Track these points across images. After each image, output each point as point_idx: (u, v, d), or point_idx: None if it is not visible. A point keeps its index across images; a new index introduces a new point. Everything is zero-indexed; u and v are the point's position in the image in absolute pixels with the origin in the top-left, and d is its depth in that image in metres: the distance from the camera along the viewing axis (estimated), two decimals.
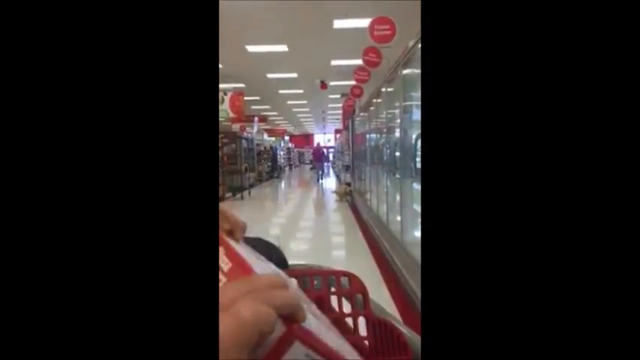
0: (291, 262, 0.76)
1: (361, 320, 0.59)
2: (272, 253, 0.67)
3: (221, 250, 0.37)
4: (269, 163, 15.19)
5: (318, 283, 0.60)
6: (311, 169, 12.92)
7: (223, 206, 0.44)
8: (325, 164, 13.32)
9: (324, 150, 13.67)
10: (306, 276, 0.60)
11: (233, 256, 0.36)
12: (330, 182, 12.73)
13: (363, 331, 0.58)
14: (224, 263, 0.35)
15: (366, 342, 0.57)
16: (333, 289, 0.60)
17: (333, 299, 0.61)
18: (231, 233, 0.42)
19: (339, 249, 4.91)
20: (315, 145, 14.48)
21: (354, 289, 0.59)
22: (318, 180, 12.13)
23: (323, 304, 0.58)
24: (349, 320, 0.59)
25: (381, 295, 2.94)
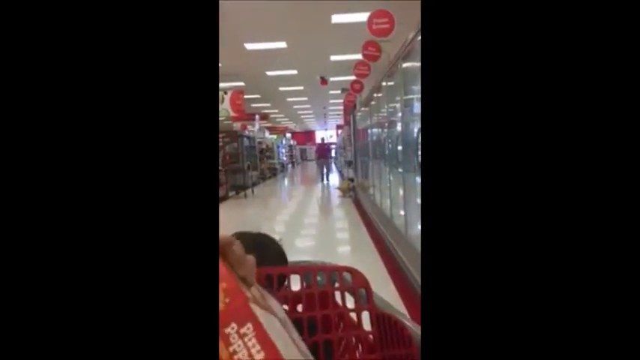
0: (295, 258, 0.77)
1: (366, 315, 0.59)
2: (271, 247, 0.67)
3: (249, 325, 0.29)
4: (271, 161, 15.05)
5: (322, 279, 0.61)
6: (318, 165, 12.76)
7: (236, 247, 0.37)
8: (329, 160, 13.14)
9: (328, 146, 13.38)
10: (309, 272, 0.60)
11: (266, 343, 0.29)
12: (332, 178, 12.71)
13: (367, 325, 0.59)
14: (255, 350, 0.28)
15: (371, 336, 0.57)
16: (336, 285, 0.61)
17: (337, 295, 0.61)
18: (244, 280, 0.36)
19: (343, 244, 4.92)
20: (319, 141, 14.22)
21: (357, 284, 0.60)
22: (322, 179, 12.02)
23: (327, 300, 0.59)
24: (354, 315, 0.60)
25: (387, 289, 2.94)
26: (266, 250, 0.65)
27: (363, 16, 5.32)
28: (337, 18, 6.19)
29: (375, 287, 0.62)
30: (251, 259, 0.38)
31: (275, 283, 0.55)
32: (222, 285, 0.31)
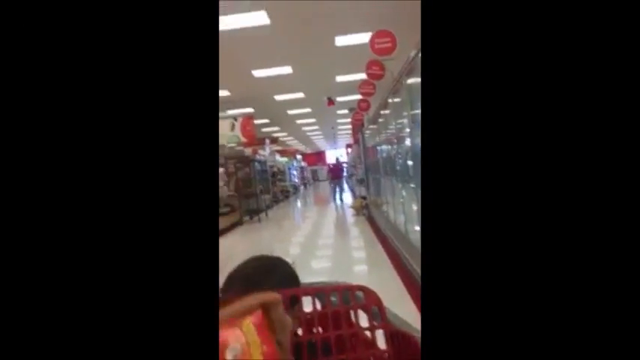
0: (311, 280, 0.78)
1: (381, 333, 0.59)
2: (284, 270, 0.68)
3: None
4: (283, 184, 14.90)
5: (335, 299, 0.61)
6: (331, 185, 12.54)
7: (281, 308, 0.36)
8: (342, 180, 13.00)
9: (341, 165, 13.16)
10: (322, 293, 0.61)
11: None
12: (345, 197, 12.65)
13: (382, 344, 0.59)
14: None
15: (386, 354, 0.57)
16: (350, 304, 0.61)
17: (351, 314, 0.61)
18: (280, 344, 0.35)
19: (359, 263, 4.87)
20: (333, 160, 13.99)
21: (370, 302, 0.60)
22: (335, 199, 11.93)
23: (341, 320, 0.59)
24: (369, 334, 0.60)
25: (405, 305, 2.89)
26: (278, 272, 0.67)
27: (365, 37, 5.42)
28: (341, 40, 6.31)
29: (392, 303, 0.62)
30: (289, 320, 0.37)
31: (288, 305, 0.56)
32: (262, 347, 0.32)
